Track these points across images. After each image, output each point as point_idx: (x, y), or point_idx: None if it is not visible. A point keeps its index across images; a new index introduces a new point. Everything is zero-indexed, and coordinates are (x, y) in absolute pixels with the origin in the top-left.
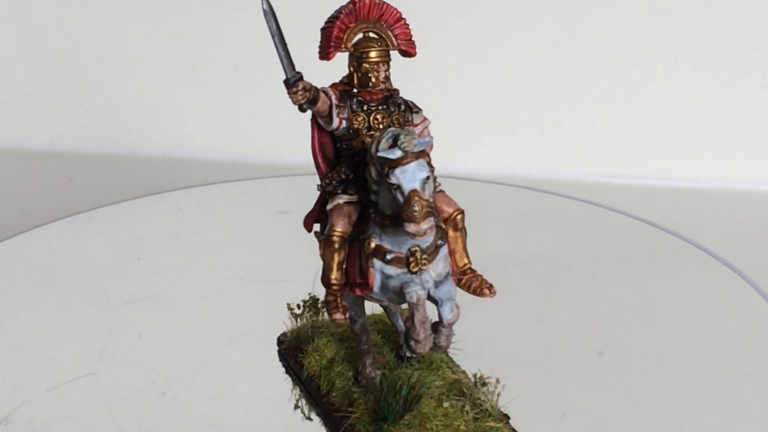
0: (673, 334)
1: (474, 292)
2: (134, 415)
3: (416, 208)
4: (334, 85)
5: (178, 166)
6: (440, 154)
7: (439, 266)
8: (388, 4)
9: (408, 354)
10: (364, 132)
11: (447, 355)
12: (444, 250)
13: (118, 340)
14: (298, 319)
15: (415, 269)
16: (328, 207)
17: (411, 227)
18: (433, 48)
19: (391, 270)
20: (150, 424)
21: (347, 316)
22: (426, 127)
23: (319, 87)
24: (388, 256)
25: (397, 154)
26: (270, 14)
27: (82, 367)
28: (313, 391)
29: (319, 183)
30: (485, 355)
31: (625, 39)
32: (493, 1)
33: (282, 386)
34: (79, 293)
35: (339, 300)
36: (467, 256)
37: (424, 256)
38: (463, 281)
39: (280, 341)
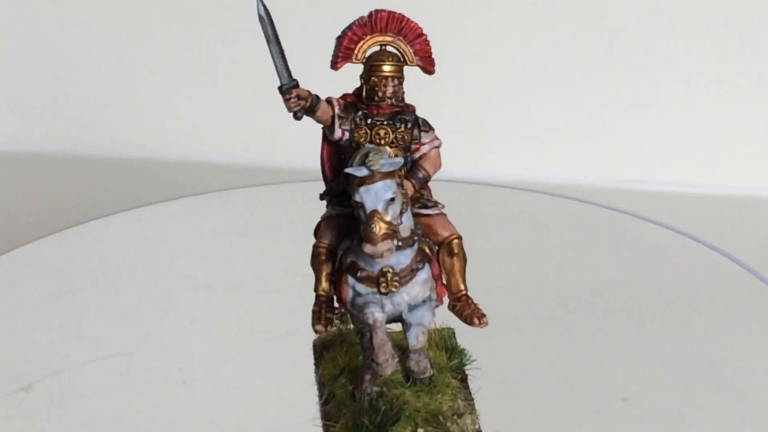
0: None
1: (465, 320)
2: (147, 398)
3: (374, 229)
4: (344, 96)
5: (198, 170)
6: (462, 159)
7: (414, 290)
8: (408, 19)
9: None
10: (365, 146)
11: (461, 380)
12: (422, 275)
13: (168, 324)
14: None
15: (384, 290)
16: (321, 218)
17: (367, 248)
18: (454, 53)
19: (361, 288)
20: (160, 410)
21: (328, 329)
22: (434, 147)
23: (326, 96)
24: (360, 274)
25: (363, 172)
26: (266, 19)
27: (123, 346)
28: (319, 399)
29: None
30: (503, 384)
31: (648, 44)
32: (515, 7)
33: (301, 390)
34: (137, 279)
35: (323, 311)
36: (463, 283)
37: (395, 278)
38: (457, 308)
39: (314, 345)
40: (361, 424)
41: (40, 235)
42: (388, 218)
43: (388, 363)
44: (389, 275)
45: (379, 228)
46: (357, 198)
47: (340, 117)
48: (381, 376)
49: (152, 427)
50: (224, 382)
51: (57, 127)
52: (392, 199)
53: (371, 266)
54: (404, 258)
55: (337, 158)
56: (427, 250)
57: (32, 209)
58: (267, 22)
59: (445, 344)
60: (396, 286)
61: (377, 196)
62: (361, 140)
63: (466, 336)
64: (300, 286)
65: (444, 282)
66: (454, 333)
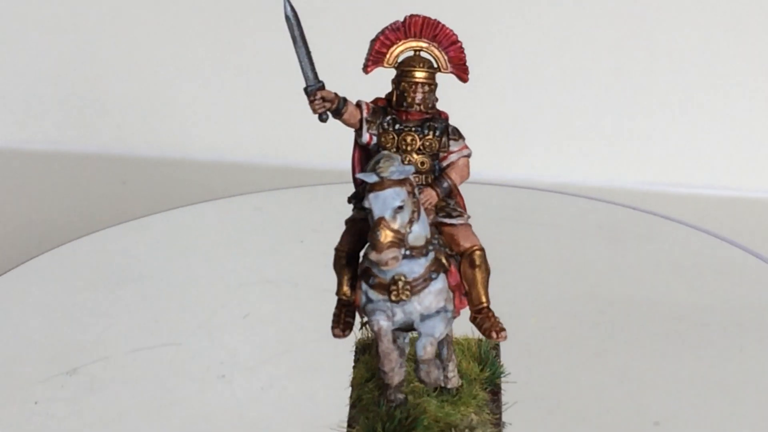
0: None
1: (484, 333)
2: (182, 390)
3: (379, 237)
4: (376, 100)
5: (233, 171)
6: (494, 161)
7: (427, 300)
8: (443, 25)
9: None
10: (393, 152)
11: (492, 393)
12: (437, 284)
13: (220, 318)
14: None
15: (395, 298)
16: (345, 221)
17: (372, 255)
18: (492, 55)
19: (373, 294)
20: (192, 402)
21: (346, 333)
22: (463, 156)
23: (356, 100)
24: (372, 280)
25: (372, 178)
26: (293, 20)
27: (173, 336)
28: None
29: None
30: (537, 400)
31: (685, 46)
32: (552, 8)
33: (336, 393)
34: (196, 273)
35: (342, 315)
36: (485, 295)
37: (407, 287)
38: (477, 320)
39: (355, 348)
40: (374, 431)
41: (104, 226)
42: (395, 226)
43: (394, 372)
44: (400, 284)
45: (385, 236)
46: (366, 204)
47: (368, 121)
48: (389, 384)
49: (181, 419)
50: (262, 379)
51: (92, 126)
52: (401, 207)
53: (383, 273)
54: (417, 267)
55: (367, 162)
56: (444, 261)
57: (90, 205)
58: (294, 23)
59: (480, 356)
60: (407, 295)
61: (385, 203)
62: (388, 145)
63: (509, 349)
64: None
65: (465, 293)
66: (497, 345)
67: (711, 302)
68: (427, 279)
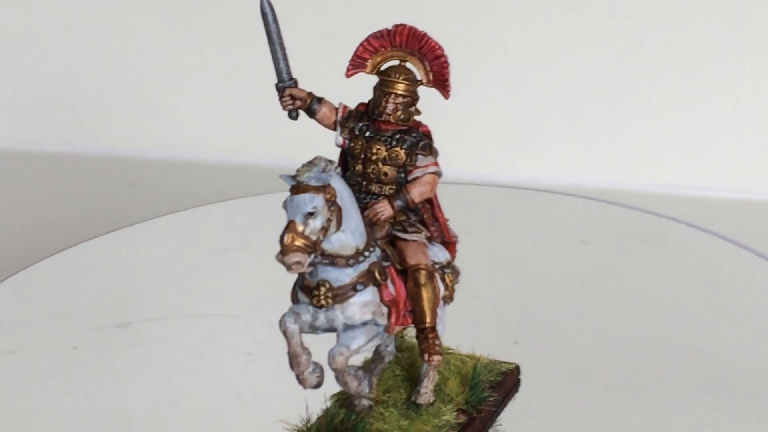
0: None
1: (420, 355)
2: (212, 362)
3: (285, 240)
4: (359, 105)
5: (242, 172)
6: (504, 163)
7: (350, 310)
8: (429, 38)
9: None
10: (360, 158)
11: (468, 417)
12: (363, 296)
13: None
14: None
15: (316, 303)
16: None
17: (277, 257)
18: (498, 57)
19: (301, 295)
20: (214, 374)
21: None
22: (428, 173)
23: (338, 102)
24: (301, 281)
25: (290, 182)
26: (270, 15)
27: (232, 309)
28: None
29: None
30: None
31: (692, 47)
32: (560, 10)
33: None
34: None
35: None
36: (429, 315)
37: (329, 294)
38: (418, 339)
39: None
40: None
41: (112, 228)
42: (305, 231)
43: (303, 376)
44: (323, 289)
45: (291, 239)
46: (283, 206)
47: (341, 124)
48: (305, 388)
49: (198, 389)
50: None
51: (99, 127)
52: (312, 214)
53: (311, 276)
54: (343, 276)
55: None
56: (377, 275)
57: (98, 207)
58: (270, 18)
59: (471, 376)
60: (329, 302)
61: (297, 207)
62: (356, 151)
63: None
64: None
65: (410, 311)
66: (515, 370)
67: (720, 305)
68: (352, 289)
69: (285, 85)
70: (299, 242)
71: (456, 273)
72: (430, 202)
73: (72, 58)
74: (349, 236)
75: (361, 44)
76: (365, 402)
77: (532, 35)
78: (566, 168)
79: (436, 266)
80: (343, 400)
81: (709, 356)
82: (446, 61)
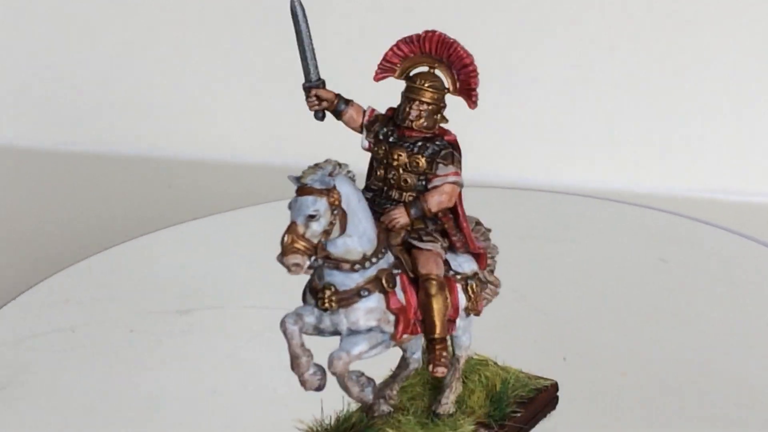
0: None
1: (426, 365)
2: (264, 357)
3: (285, 240)
4: (389, 110)
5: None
6: (545, 167)
7: (354, 315)
8: (459, 46)
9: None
10: (383, 163)
11: (488, 429)
12: (368, 303)
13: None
14: None
15: (320, 305)
16: None
17: (277, 257)
18: (535, 58)
19: (308, 297)
20: (270, 370)
21: None
22: (448, 182)
23: (367, 105)
24: (310, 282)
25: (295, 183)
26: (300, 14)
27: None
28: None
29: None
30: None
31: (733, 49)
32: (596, 13)
33: None
34: None
35: None
36: (438, 327)
37: (333, 297)
38: (427, 349)
39: None
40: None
41: (149, 230)
42: (305, 234)
43: (304, 377)
44: (328, 293)
45: (290, 240)
46: (288, 206)
47: (366, 128)
48: (306, 390)
49: (239, 380)
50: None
51: (138, 128)
52: (313, 216)
53: (319, 279)
54: (349, 281)
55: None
56: (384, 282)
57: (135, 208)
58: (300, 17)
59: (498, 390)
60: (333, 306)
61: (300, 209)
62: (379, 156)
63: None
64: None
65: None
66: (552, 387)
67: (756, 310)
68: (357, 295)
69: (311, 85)
70: (299, 244)
71: (484, 284)
72: (454, 212)
73: (111, 60)
74: (355, 241)
75: (391, 48)
76: (384, 408)
77: (568, 38)
78: (601, 172)
79: (458, 276)
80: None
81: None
82: (474, 71)
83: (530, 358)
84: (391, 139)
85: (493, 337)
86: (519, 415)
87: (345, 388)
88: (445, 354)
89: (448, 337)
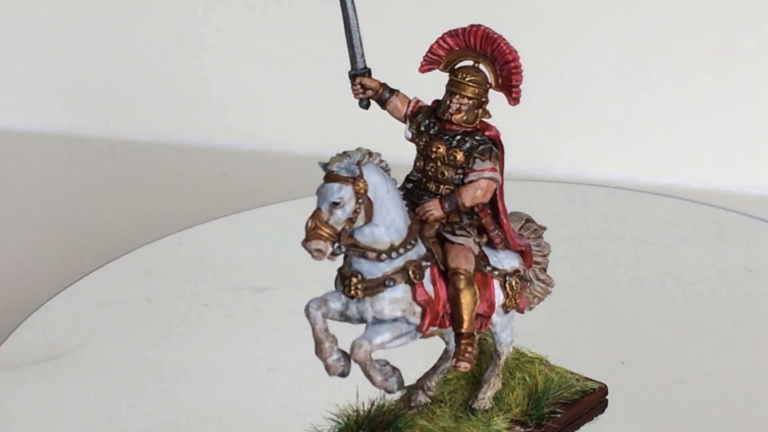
0: None
1: (452, 359)
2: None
3: (309, 226)
4: (434, 101)
5: None
6: (600, 162)
7: (380, 305)
8: (503, 42)
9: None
10: (423, 155)
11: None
12: (393, 293)
13: None
14: None
15: (346, 292)
16: None
17: (302, 242)
18: (591, 55)
19: (337, 283)
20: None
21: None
22: (483, 178)
23: (413, 96)
24: (340, 269)
25: (323, 169)
26: (348, 1)
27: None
28: None
29: None
30: None
31: None
32: (662, 8)
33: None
34: None
35: None
36: (467, 321)
37: (359, 285)
38: (456, 344)
39: None
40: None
41: (204, 219)
42: (329, 220)
43: (327, 363)
44: (354, 280)
45: (314, 226)
46: (316, 192)
47: (409, 118)
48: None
49: (295, 360)
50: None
51: (194, 118)
52: (337, 204)
53: (348, 265)
54: (375, 269)
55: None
56: (411, 273)
57: (190, 197)
58: (348, 3)
59: (539, 389)
60: (359, 294)
61: (324, 195)
62: (420, 147)
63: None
64: None
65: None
66: (600, 391)
67: None
68: (383, 284)
69: (356, 73)
70: (323, 230)
71: (527, 281)
72: (494, 208)
73: (166, 50)
74: (383, 231)
75: (437, 41)
76: (422, 398)
77: (624, 33)
78: (657, 168)
79: (496, 272)
80: (406, 393)
81: None
82: (516, 67)
83: (588, 359)
84: (431, 132)
85: (554, 336)
86: (559, 416)
87: (368, 375)
88: (470, 350)
89: (477, 333)
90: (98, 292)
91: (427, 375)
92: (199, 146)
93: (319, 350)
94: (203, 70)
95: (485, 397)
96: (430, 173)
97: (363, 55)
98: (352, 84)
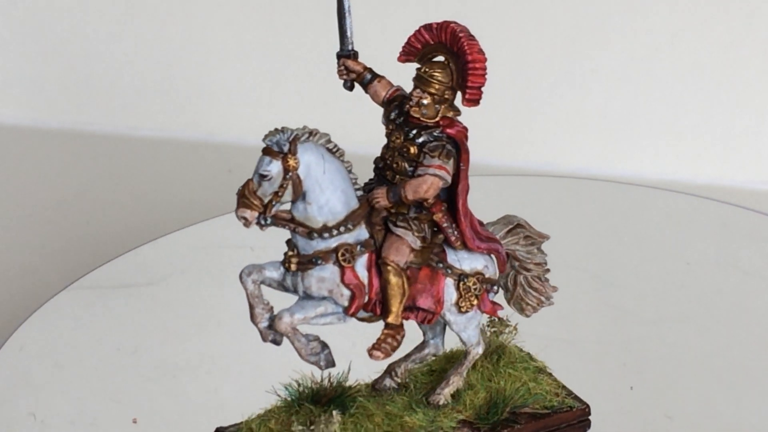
0: None
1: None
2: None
3: (238, 193)
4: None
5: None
6: (608, 157)
7: (308, 281)
8: (465, 41)
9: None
10: (387, 143)
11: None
12: (320, 272)
13: None
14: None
15: (284, 263)
16: None
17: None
18: (597, 50)
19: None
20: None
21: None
22: (429, 174)
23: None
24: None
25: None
26: None
27: None
28: None
29: None
30: None
31: None
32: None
33: None
34: None
35: None
36: (392, 313)
37: (293, 260)
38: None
39: None
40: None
41: (209, 215)
42: (257, 191)
43: (259, 328)
44: (290, 254)
45: (241, 193)
46: None
47: (384, 105)
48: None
49: None
50: None
51: (198, 114)
52: (264, 176)
53: (294, 238)
54: (308, 247)
55: None
56: (340, 256)
57: (195, 193)
58: None
59: (500, 395)
60: (292, 267)
61: (257, 166)
62: (386, 134)
63: None
64: None
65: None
66: (579, 412)
67: None
68: (311, 262)
69: (342, 54)
70: (250, 200)
71: (492, 285)
72: (453, 206)
73: (172, 45)
74: (315, 210)
75: (414, 33)
76: (388, 382)
77: (634, 31)
78: (665, 163)
79: (449, 271)
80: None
81: None
82: (474, 68)
83: (595, 375)
84: (397, 121)
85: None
86: (518, 426)
87: (295, 348)
88: (390, 340)
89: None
90: (102, 288)
91: (398, 361)
92: (204, 142)
93: (251, 315)
94: (208, 65)
95: (442, 393)
96: (388, 162)
97: (351, 38)
98: (337, 65)
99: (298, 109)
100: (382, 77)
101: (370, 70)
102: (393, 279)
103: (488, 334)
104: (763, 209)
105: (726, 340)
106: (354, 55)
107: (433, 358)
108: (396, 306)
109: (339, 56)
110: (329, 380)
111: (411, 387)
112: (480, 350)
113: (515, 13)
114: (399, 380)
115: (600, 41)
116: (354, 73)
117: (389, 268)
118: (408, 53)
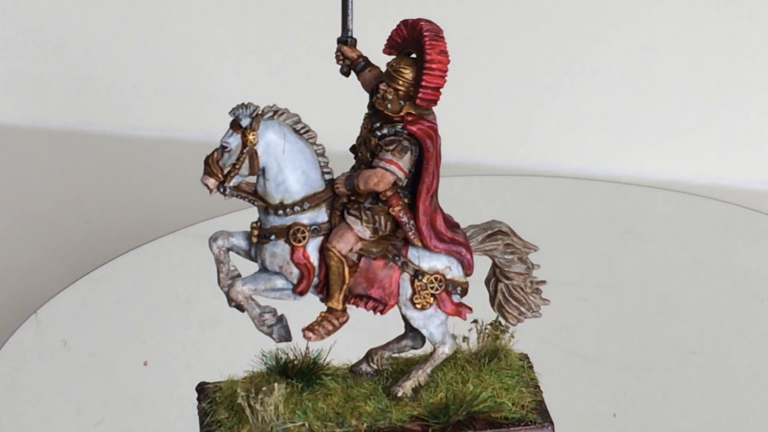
0: None
1: None
2: None
3: (204, 161)
4: None
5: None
6: (606, 157)
7: (263, 255)
8: (428, 40)
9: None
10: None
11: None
12: (273, 248)
13: None
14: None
15: (250, 235)
16: None
17: None
18: (597, 50)
19: None
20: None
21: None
22: (380, 168)
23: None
24: None
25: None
26: None
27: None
28: None
29: None
30: None
31: None
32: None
33: None
34: None
35: None
36: (333, 298)
37: (255, 232)
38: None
39: None
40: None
41: (213, 215)
42: (219, 161)
43: (225, 293)
44: (254, 225)
45: (206, 161)
46: None
47: (370, 94)
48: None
49: None
50: None
51: (197, 113)
52: (224, 148)
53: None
54: (266, 221)
55: None
56: (291, 235)
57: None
58: None
59: (458, 398)
60: (253, 239)
61: (222, 136)
62: (362, 122)
63: None
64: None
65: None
66: (537, 425)
67: None
68: (266, 236)
69: (340, 40)
70: (212, 169)
71: (455, 286)
72: (413, 204)
73: (172, 45)
74: (272, 186)
75: (396, 27)
76: (364, 367)
77: (639, 31)
78: (664, 163)
79: (406, 266)
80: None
81: None
82: (431, 68)
83: (595, 375)
84: (369, 111)
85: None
86: (469, 431)
87: (250, 317)
88: (325, 324)
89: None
90: (103, 288)
91: (377, 348)
92: (204, 142)
93: (218, 280)
94: (208, 65)
95: (401, 386)
96: (356, 148)
97: (350, 24)
98: (336, 50)
99: (298, 109)
100: (375, 67)
101: (365, 59)
102: (333, 264)
103: (486, 335)
104: (763, 209)
105: (726, 340)
106: (353, 42)
107: (412, 349)
108: (336, 291)
109: (338, 41)
110: (307, 355)
111: (385, 375)
112: (446, 350)
113: (515, 13)
114: (375, 366)
115: (600, 41)
116: (349, 59)
117: (330, 253)
118: (391, 46)
